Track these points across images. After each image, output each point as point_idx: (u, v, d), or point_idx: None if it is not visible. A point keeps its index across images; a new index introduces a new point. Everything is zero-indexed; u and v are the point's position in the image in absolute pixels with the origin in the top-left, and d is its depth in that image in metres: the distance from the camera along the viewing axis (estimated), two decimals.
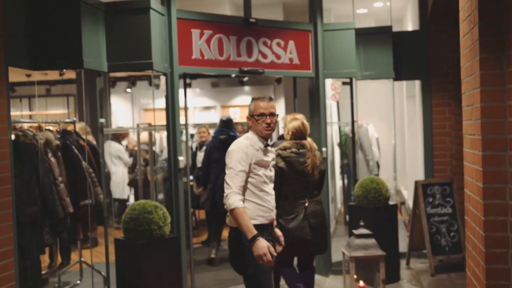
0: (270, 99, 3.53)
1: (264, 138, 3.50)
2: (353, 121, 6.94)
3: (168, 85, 5.02)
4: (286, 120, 4.47)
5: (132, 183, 8.30)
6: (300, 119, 4.39)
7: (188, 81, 12.36)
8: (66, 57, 4.31)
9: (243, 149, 3.39)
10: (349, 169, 8.72)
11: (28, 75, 10.22)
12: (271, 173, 3.57)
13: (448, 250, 6.02)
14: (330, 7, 8.08)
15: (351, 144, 8.60)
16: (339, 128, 8.91)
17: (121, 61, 4.66)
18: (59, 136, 5.04)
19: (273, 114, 3.48)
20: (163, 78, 5.02)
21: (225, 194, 3.31)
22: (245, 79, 11.71)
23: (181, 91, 12.47)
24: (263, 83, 12.51)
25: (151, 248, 4.20)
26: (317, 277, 6.00)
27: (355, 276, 5.48)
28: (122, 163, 8.48)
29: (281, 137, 5.09)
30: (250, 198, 3.41)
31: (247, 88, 12.97)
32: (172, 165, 5.03)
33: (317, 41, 5.99)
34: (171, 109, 5.03)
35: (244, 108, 13.09)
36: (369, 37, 6.28)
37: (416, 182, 6.14)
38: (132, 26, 4.64)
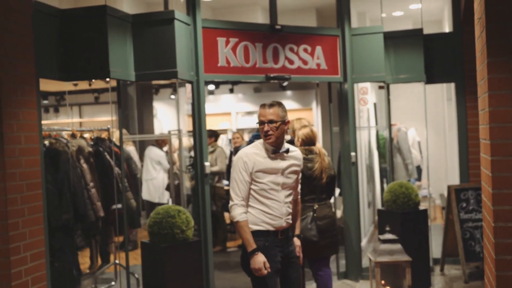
0: (272, 105, 3.48)
1: (277, 144, 3.48)
2: (390, 125, 6.88)
3: (194, 92, 5.15)
4: (294, 125, 4.54)
5: (168, 188, 8.52)
6: (309, 126, 4.51)
7: (230, 86, 12.58)
8: (94, 68, 4.51)
9: (242, 158, 3.44)
10: (392, 173, 8.65)
11: (76, 84, 10.66)
12: (286, 179, 3.51)
13: (482, 257, 5.88)
14: (365, 11, 8.06)
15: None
16: (377, 132, 8.83)
17: (148, 70, 4.83)
18: (92, 143, 5.26)
19: (272, 122, 3.42)
20: (188, 86, 5.17)
21: (229, 205, 3.43)
22: (285, 84, 11.77)
23: (224, 97, 12.67)
24: (305, 88, 12.53)
25: (174, 251, 4.33)
26: (347, 282, 6.00)
27: (382, 282, 5.45)
28: (162, 168, 8.71)
29: (288, 142, 5.15)
30: (254, 204, 3.46)
31: (289, 93, 13.03)
32: (198, 170, 5.16)
33: (345, 46, 5.99)
34: (197, 116, 5.16)
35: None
36: (400, 40, 6.23)
37: (449, 187, 6.04)
38: (158, 36, 4.80)
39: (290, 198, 3.58)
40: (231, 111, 13.00)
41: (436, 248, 6.55)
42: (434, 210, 9.54)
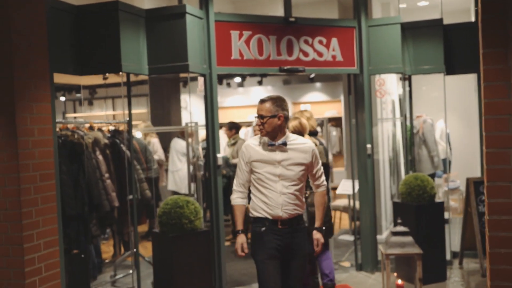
0: (263, 101, 3.61)
1: (272, 137, 3.59)
2: (411, 117, 6.83)
3: (207, 85, 5.22)
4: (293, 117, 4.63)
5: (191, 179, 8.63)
6: (298, 119, 4.55)
7: (258, 79, 12.64)
8: (106, 62, 4.65)
9: (243, 149, 3.68)
10: (414, 165, 8.54)
11: (105, 78, 10.89)
12: (285, 171, 3.56)
13: None
14: (389, 1, 7.95)
15: (415, 140, 8.42)
16: (402, 124, 8.71)
17: (161, 64, 4.93)
18: (109, 135, 5.40)
19: (261, 117, 3.57)
20: (201, 79, 5.24)
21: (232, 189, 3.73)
22: (312, 75, 11.74)
23: (254, 89, 12.71)
24: (334, 80, 12.47)
25: (182, 241, 4.42)
26: (362, 274, 6.00)
27: (395, 274, 5.43)
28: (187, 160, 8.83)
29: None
30: (255, 192, 3.65)
31: (318, 84, 12.99)
32: (211, 161, 5.24)
33: (361, 37, 5.95)
34: (210, 108, 5.24)
35: (315, 105, 13.14)
36: (419, 30, 6.12)
37: (468, 180, 5.94)
38: (170, 30, 4.89)
39: (291, 190, 3.59)
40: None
41: (458, 242, 6.46)
42: (463, 203, 9.36)
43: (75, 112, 14.97)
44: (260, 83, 12.83)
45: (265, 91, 13.04)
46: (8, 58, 3.88)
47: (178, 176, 8.79)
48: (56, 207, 4.25)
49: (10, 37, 3.88)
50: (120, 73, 4.75)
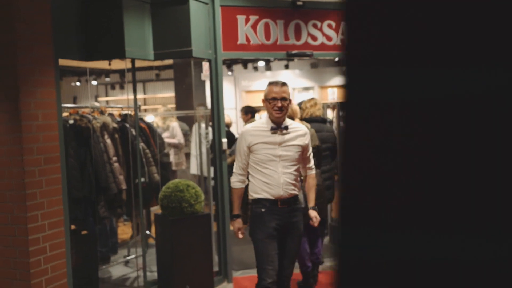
0: (283, 84, 3.76)
1: (276, 121, 3.71)
2: None
3: (213, 70, 5.26)
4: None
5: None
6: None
7: (285, 62, 12.60)
8: (111, 48, 4.74)
9: (243, 133, 3.81)
10: None
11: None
12: (285, 152, 3.72)
13: None
14: None
15: None
16: None
17: (166, 49, 4.99)
18: (119, 119, 5.53)
19: (285, 99, 3.69)
20: (205, 64, 5.28)
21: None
22: (336, 59, 11.61)
23: (283, 73, 12.64)
24: None
25: (182, 224, 4.52)
26: None
27: None
28: (209, 143, 8.92)
29: None
30: (255, 174, 3.75)
31: None
32: (216, 146, 5.30)
33: None
34: (216, 93, 5.29)
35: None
36: None
37: None
38: (174, 16, 4.94)
39: (290, 170, 3.75)
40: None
41: None
42: None
43: (107, 95, 15.31)
44: (287, 67, 12.79)
45: (292, 74, 12.99)
46: (11, 46, 4.01)
47: (200, 160, 8.91)
48: (62, 189, 4.40)
49: (14, 26, 4.00)
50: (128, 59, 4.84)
